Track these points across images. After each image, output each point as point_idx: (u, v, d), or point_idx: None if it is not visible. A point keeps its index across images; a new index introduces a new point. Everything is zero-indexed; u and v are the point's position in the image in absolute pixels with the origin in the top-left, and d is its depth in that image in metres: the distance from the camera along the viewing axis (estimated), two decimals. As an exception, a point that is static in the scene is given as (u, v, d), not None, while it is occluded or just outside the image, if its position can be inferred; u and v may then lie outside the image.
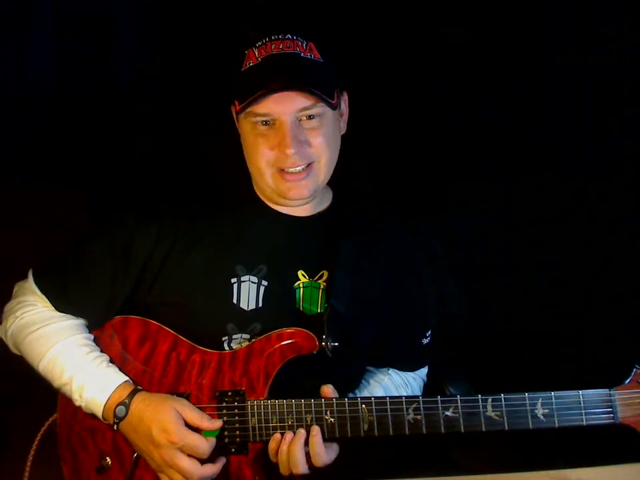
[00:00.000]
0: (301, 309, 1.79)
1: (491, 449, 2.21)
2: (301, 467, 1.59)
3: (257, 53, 1.69)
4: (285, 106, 1.67)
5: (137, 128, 2.54)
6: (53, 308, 1.77)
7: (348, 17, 2.48)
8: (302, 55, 1.69)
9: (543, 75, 2.47)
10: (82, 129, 2.53)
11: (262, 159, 1.73)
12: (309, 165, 1.73)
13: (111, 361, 1.72)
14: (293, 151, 1.68)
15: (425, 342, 1.97)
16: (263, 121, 1.70)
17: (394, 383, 1.94)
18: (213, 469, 1.60)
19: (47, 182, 2.50)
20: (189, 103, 2.52)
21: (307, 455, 1.61)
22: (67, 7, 2.48)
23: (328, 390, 1.64)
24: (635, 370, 1.55)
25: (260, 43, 1.70)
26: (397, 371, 1.97)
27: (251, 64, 1.69)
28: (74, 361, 1.68)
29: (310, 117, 1.71)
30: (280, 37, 1.70)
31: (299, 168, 1.72)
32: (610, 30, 2.37)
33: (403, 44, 2.49)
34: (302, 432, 1.60)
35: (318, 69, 1.71)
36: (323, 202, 1.89)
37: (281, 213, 1.84)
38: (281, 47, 1.68)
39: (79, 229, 2.41)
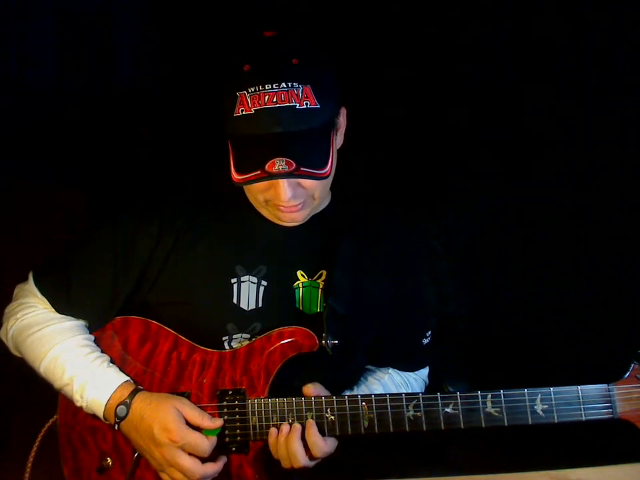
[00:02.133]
0: (301, 308, 1.79)
1: (490, 448, 2.22)
2: (301, 459, 1.61)
3: (249, 102, 1.61)
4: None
5: (137, 128, 2.54)
6: (53, 310, 1.77)
7: (344, 16, 2.48)
8: (297, 106, 1.61)
9: (543, 76, 2.47)
10: (82, 129, 2.53)
11: (258, 194, 1.72)
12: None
13: (112, 361, 1.73)
14: (288, 197, 1.65)
15: (425, 342, 1.98)
16: None
17: (394, 382, 1.94)
18: (214, 467, 1.61)
19: (47, 182, 2.50)
20: (189, 103, 2.52)
21: (307, 448, 1.62)
22: (66, 7, 2.48)
23: (308, 390, 1.65)
24: (632, 365, 1.56)
25: (253, 90, 1.61)
26: (397, 370, 1.98)
27: (243, 112, 1.62)
28: (75, 361, 1.69)
29: None
30: (274, 86, 1.60)
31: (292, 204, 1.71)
32: (610, 29, 2.38)
33: (400, 43, 2.49)
34: (298, 426, 1.61)
35: (314, 119, 1.63)
36: (322, 202, 1.89)
37: None
38: (275, 99, 1.60)
39: (78, 229, 2.41)
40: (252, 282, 1.77)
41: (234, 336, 1.75)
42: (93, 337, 1.77)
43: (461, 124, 2.50)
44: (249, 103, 1.61)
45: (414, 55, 2.48)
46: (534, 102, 2.48)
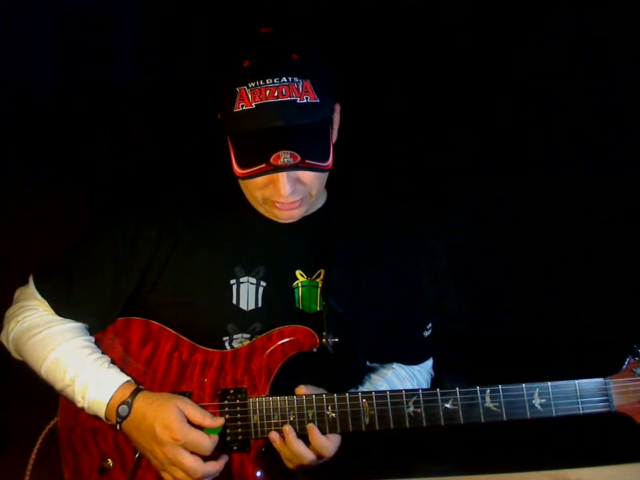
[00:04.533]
0: (301, 307, 1.80)
1: (490, 448, 2.22)
2: (307, 455, 1.62)
3: (250, 97, 1.61)
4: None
5: (136, 128, 2.54)
6: (54, 312, 1.78)
7: (340, 16, 2.48)
8: (298, 101, 1.61)
9: (543, 75, 2.47)
10: (82, 129, 2.53)
11: (255, 191, 1.71)
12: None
13: (113, 362, 1.73)
14: (288, 192, 1.65)
15: (426, 334, 1.99)
16: None
17: (398, 377, 1.94)
18: (216, 466, 1.61)
19: (47, 182, 2.50)
20: (189, 103, 2.52)
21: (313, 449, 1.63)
22: (66, 7, 2.48)
23: (300, 390, 1.66)
24: (628, 359, 1.58)
25: (253, 85, 1.61)
26: (401, 365, 1.98)
27: (244, 107, 1.61)
28: (76, 362, 1.69)
29: None
30: (275, 81, 1.60)
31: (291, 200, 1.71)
32: (611, 28, 2.38)
33: (399, 41, 2.49)
34: (287, 428, 1.62)
35: (315, 113, 1.64)
36: (318, 202, 1.89)
37: None
38: (276, 94, 1.60)
39: (78, 229, 2.40)
40: (251, 283, 1.78)
41: (234, 336, 1.75)
42: (93, 339, 1.78)
43: (461, 123, 2.50)
44: (249, 98, 1.61)
45: (413, 52, 2.48)
46: (534, 102, 2.48)
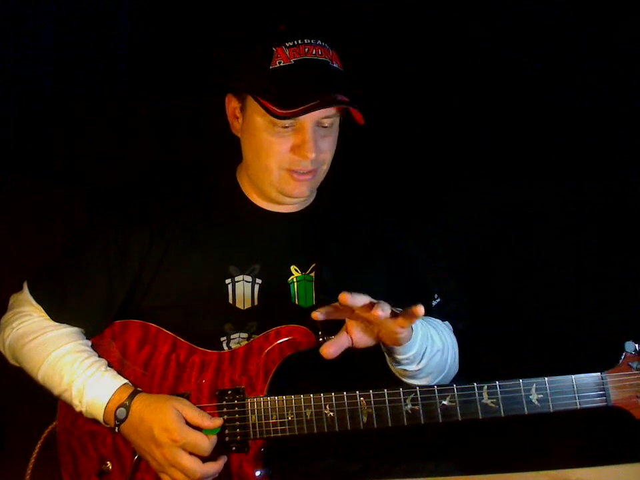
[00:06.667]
0: (297, 302, 1.81)
1: (491, 448, 2.21)
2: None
3: (288, 53, 1.67)
4: (312, 112, 1.66)
5: (136, 128, 2.54)
6: (49, 317, 1.79)
7: (338, 13, 2.48)
8: (331, 63, 1.70)
9: (543, 75, 2.47)
10: (82, 129, 2.53)
11: (275, 160, 1.73)
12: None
13: (110, 365, 1.74)
14: (314, 155, 1.69)
15: (435, 303, 1.90)
16: None
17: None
18: (214, 466, 1.61)
19: (47, 182, 2.50)
20: (188, 104, 2.52)
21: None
22: (66, 7, 2.48)
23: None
24: (624, 353, 1.57)
25: (291, 44, 1.68)
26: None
27: (281, 63, 1.67)
28: (72, 366, 1.70)
29: (325, 125, 1.73)
30: (312, 41, 1.69)
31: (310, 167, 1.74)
32: (611, 30, 2.38)
33: (395, 38, 2.48)
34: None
35: (344, 79, 1.73)
36: (309, 197, 1.90)
37: (269, 211, 1.86)
38: (314, 52, 1.68)
39: (78, 229, 2.40)
40: (246, 281, 1.79)
41: (232, 336, 1.76)
42: (89, 343, 1.78)
43: (461, 122, 2.50)
44: (287, 55, 1.68)
45: (412, 50, 2.47)
46: (534, 101, 2.48)
